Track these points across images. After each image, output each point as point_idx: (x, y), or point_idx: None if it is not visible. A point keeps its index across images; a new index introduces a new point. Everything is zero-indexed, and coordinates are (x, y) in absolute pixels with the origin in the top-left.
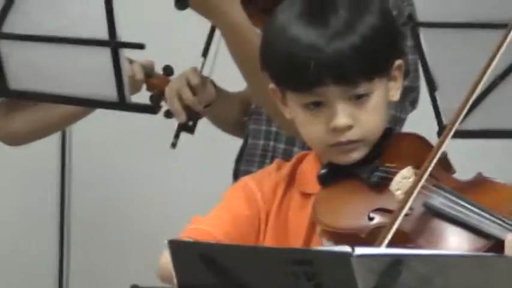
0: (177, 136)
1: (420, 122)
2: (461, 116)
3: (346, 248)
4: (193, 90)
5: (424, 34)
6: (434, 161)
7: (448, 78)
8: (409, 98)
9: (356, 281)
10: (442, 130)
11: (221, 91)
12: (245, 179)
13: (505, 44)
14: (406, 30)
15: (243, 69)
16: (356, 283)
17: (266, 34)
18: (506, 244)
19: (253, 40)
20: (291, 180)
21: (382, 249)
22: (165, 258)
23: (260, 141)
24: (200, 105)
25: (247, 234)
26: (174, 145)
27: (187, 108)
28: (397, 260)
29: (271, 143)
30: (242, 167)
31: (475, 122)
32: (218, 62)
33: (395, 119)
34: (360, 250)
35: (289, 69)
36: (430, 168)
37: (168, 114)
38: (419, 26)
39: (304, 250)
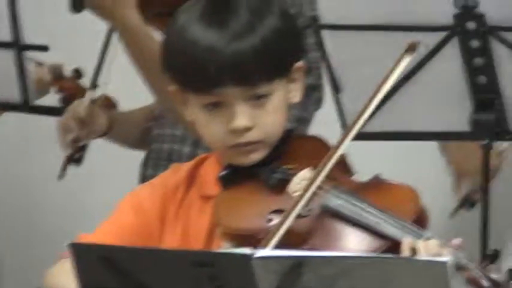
0: (64, 168)
1: (327, 122)
2: (359, 120)
3: (247, 250)
4: (81, 123)
5: (327, 36)
6: (330, 163)
7: (353, 80)
8: (312, 96)
9: (257, 283)
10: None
11: (119, 115)
12: (137, 188)
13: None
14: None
15: (142, 73)
16: (257, 285)
17: (167, 35)
18: (403, 247)
19: (150, 43)
20: (190, 182)
21: (283, 251)
22: (51, 275)
23: (165, 145)
24: (87, 139)
25: (135, 244)
26: (61, 176)
27: (74, 141)
28: (298, 262)
29: (176, 147)
30: (149, 171)
31: (377, 124)
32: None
33: (299, 119)
34: (260, 252)
35: (189, 70)
36: (324, 171)
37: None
38: (322, 28)
39: (205, 252)
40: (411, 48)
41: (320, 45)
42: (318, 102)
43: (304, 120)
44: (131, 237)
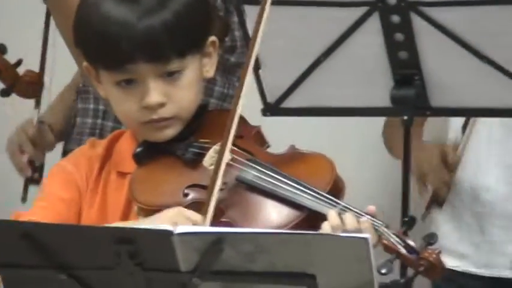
0: (25, 190)
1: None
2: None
3: (168, 226)
4: (32, 142)
5: (248, 11)
6: (231, 134)
7: (272, 55)
8: (236, 73)
9: (178, 259)
10: (266, 107)
11: (56, 117)
12: (61, 162)
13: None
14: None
15: (68, 44)
16: (178, 262)
17: (79, 11)
18: (323, 226)
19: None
20: (107, 158)
21: (204, 227)
22: None
23: (88, 120)
24: (42, 157)
25: (69, 219)
26: (24, 199)
27: (30, 162)
28: (219, 238)
29: (99, 121)
30: (71, 146)
31: (298, 100)
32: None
33: (223, 95)
34: (181, 228)
35: (101, 47)
36: (229, 142)
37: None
38: (242, 2)
39: (125, 229)
40: None
41: (241, 21)
42: None
43: (227, 96)
44: (66, 212)
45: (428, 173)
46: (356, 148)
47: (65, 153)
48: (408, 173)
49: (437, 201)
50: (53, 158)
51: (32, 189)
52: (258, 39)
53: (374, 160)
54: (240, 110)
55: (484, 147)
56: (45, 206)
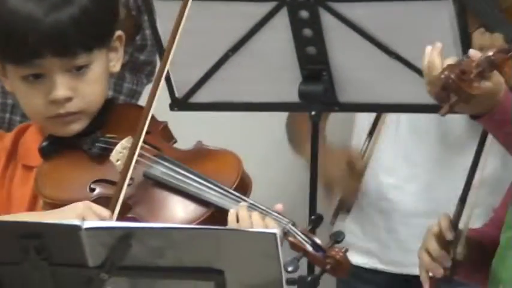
0: None
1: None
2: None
3: (76, 221)
4: None
5: (158, 9)
6: (144, 131)
7: (180, 50)
8: (145, 71)
9: (85, 254)
10: (174, 102)
11: None
12: None
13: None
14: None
15: None
16: (86, 257)
17: None
18: (229, 217)
19: None
20: (13, 151)
21: (112, 222)
22: None
23: None
24: None
25: None
26: None
27: None
28: (127, 232)
29: (7, 115)
30: None
31: (207, 95)
32: None
33: (132, 92)
34: (89, 223)
35: (8, 41)
36: (141, 139)
37: None
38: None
39: (33, 223)
40: None
41: (150, 19)
42: (149, 76)
43: (136, 93)
44: None
45: (335, 181)
46: (264, 145)
47: None
48: (316, 170)
49: (344, 208)
50: None
51: None
52: (178, 36)
53: (282, 157)
54: (153, 107)
55: (391, 147)
56: None
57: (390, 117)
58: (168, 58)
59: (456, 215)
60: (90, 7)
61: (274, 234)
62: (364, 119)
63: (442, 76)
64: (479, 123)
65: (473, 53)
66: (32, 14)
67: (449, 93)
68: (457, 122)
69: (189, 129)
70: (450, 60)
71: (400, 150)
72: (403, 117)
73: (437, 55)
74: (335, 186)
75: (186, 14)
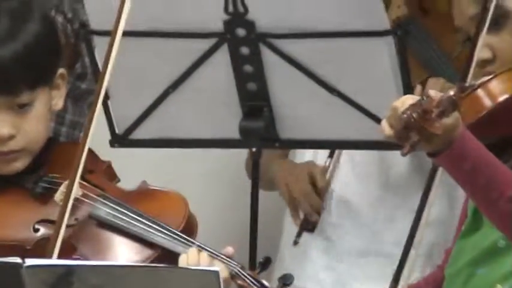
0: None
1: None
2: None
3: (17, 259)
4: None
5: (97, 42)
6: (80, 168)
7: (120, 86)
8: (87, 100)
9: None
10: (115, 138)
11: None
12: None
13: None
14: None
15: None
16: None
17: None
18: (180, 263)
19: None
20: None
21: (54, 260)
22: None
23: None
24: None
25: None
26: None
27: None
28: (69, 270)
29: None
30: None
31: (145, 131)
32: None
33: (74, 123)
34: (30, 261)
35: None
36: (77, 176)
37: None
38: (91, 34)
39: None
40: None
41: (90, 52)
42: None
43: (78, 124)
44: None
45: (298, 197)
46: (205, 182)
47: None
48: (256, 210)
49: (308, 226)
50: None
51: None
52: (109, 70)
53: (223, 194)
54: (89, 144)
55: (347, 169)
56: None
57: None
58: (99, 94)
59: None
60: (34, 44)
61: (217, 272)
62: None
63: (404, 115)
64: (437, 162)
65: (433, 93)
66: None
67: (410, 133)
68: (400, 160)
69: (129, 167)
70: (410, 100)
71: (353, 177)
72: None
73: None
74: (298, 203)
75: (116, 47)
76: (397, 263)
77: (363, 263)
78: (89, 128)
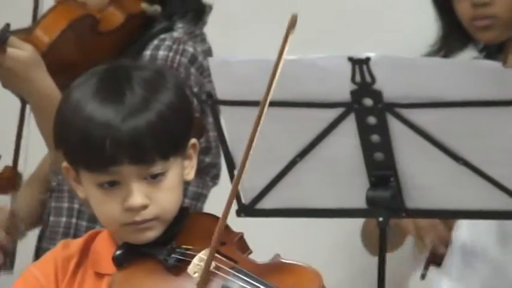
0: None
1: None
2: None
3: None
4: (6, 233)
5: (223, 112)
6: (216, 241)
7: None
8: (210, 174)
9: None
10: (241, 208)
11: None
12: (30, 268)
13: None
14: (207, 107)
15: (48, 142)
16: None
17: (60, 111)
18: None
19: None
20: (83, 258)
21: None
22: None
23: (62, 219)
24: (13, 244)
25: None
26: None
27: (2, 248)
28: None
29: (74, 220)
30: (44, 244)
31: (274, 201)
32: None
33: (197, 195)
34: None
35: (84, 148)
36: (212, 249)
37: None
38: (218, 103)
39: None
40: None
41: (216, 122)
42: (215, 179)
43: (201, 196)
44: None
45: (425, 227)
46: (328, 252)
47: (37, 250)
48: (383, 278)
49: (435, 259)
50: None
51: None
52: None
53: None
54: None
55: None
56: None
57: None
58: (244, 165)
59: None
60: (167, 114)
61: None
62: None
63: None
64: None
65: None
66: (109, 121)
67: None
68: None
69: (260, 238)
70: None
71: None
72: None
73: None
74: (425, 233)
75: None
76: None
77: None
78: (231, 202)
